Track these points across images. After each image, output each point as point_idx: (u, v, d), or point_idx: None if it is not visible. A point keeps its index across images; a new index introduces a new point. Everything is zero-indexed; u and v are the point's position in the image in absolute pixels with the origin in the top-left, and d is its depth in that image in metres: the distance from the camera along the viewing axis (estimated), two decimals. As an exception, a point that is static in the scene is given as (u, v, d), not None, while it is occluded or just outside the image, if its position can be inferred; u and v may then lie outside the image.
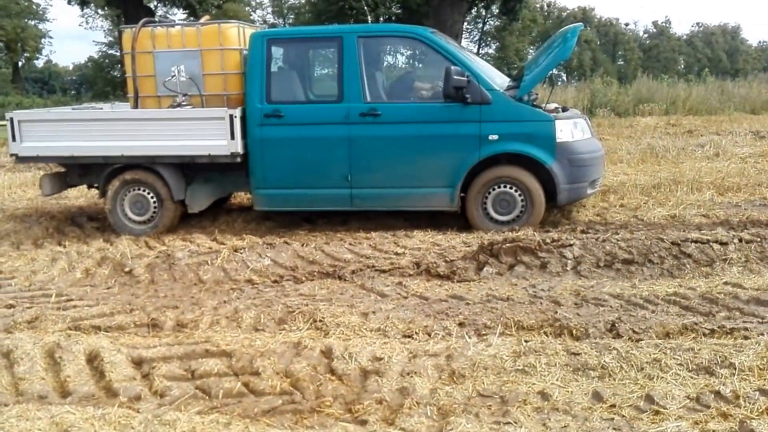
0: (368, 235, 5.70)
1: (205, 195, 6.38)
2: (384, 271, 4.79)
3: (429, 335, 3.59)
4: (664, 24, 59.88)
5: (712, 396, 2.79)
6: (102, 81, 36.27)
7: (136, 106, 6.35)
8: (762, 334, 3.39)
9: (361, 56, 5.90)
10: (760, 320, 3.63)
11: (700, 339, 3.39)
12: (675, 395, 2.80)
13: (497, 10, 32.34)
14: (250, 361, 3.21)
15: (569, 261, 4.67)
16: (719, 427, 2.49)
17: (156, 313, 4.01)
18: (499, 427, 2.56)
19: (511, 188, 5.83)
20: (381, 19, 28.84)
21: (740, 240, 4.73)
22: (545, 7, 47.65)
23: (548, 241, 4.83)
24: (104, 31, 39.12)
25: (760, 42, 68.68)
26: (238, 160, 5.96)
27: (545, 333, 3.57)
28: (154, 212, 6.19)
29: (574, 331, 3.55)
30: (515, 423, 2.59)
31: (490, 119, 5.70)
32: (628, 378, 2.98)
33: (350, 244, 5.42)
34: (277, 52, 6.17)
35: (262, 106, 5.97)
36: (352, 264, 4.94)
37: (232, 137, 5.86)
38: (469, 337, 3.51)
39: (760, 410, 2.64)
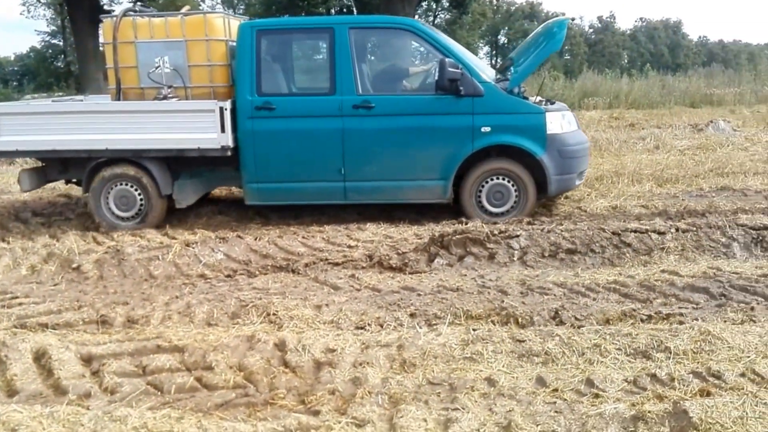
0: (321, 228, 5.74)
1: (193, 189, 6.27)
2: (337, 264, 4.84)
3: (381, 326, 3.66)
4: (608, 19, 61.52)
5: (649, 379, 2.93)
6: (45, 72, 34.82)
7: (118, 98, 6.17)
8: (696, 320, 3.58)
9: (352, 48, 5.88)
10: (695, 306, 3.84)
11: (637, 325, 3.57)
12: (614, 379, 2.94)
13: (447, 4, 32.66)
14: (203, 356, 3.21)
15: (516, 252, 4.82)
16: (654, 409, 2.62)
17: (105, 310, 3.96)
18: (448, 413, 2.65)
19: (505, 180, 5.94)
20: (333, 11, 28.67)
21: (677, 229, 4.97)
22: (494, 1, 48.26)
23: (496, 232, 4.97)
24: (47, 20, 37.53)
25: (700, 37, 71.53)
26: (229, 153, 5.88)
27: (492, 321, 3.69)
28: (141, 207, 6.06)
29: (519, 319, 3.68)
30: (463, 409, 2.69)
31: (482, 111, 5.79)
32: (569, 363, 3.12)
33: (303, 237, 5.45)
34: (267, 43, 6.09)
35: (252, 99, 5.90)
36: (305, 257, 4.97)
37: (223, 130, 5.78)
38: (420, 327, 3.60)
39: (693, 392, 2.79)
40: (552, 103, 6.25)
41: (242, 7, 38.94)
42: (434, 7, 35.05)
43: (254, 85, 5.89)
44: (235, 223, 6.23)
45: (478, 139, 5.81)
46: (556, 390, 2.87)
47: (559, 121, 5.94)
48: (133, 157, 5.95)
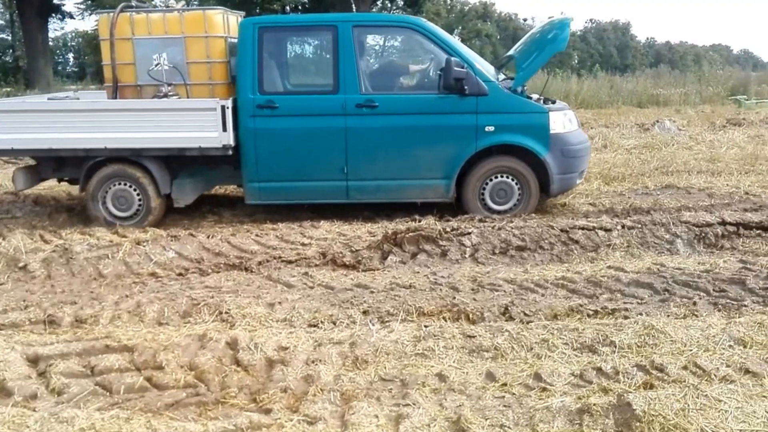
0: (275, 226, 5.70)
1: (192, 189, 6.16)
2: (290, 262, 4.82)
3: (334, 324, 3.67)
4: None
5: (595, 372, 3.02)
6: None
7: (114, 96, 6.01)
8: (640, 314, 3.70)
9: (356, 46, 5.84)
10: (639, 301, 3.97)
11: (584, 319, 3.67)
12: (561, 373, 3.02)
13: (402, 2, 32.78)
14: (153, 356, 3.16)
15: (468, 249, 4.90)
16: (599, 401, 2.69)
17: (53, 309, 3.85)
18: (399, 409, 2.69)
19: (508, 178, 5.98)
20: (288, 8, 28.39)
21: (623, 226, 5.13)
22: (449, 1, 48.70)
23: (448, 230, 5.04)
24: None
25: (648, 38, 73.73)
26: (230, 152, 5.79)
27: (444, 318, 3.74)
28: (139, 207, 5.93)
29: (470, 315, 3.74)
30: (414, 404, 2.73)
31: (486, 110, 5.80)
32: (518, 358, 3.20)
33: (257, 235, 5.40)
34: (269, 40, 5.99)
35: (254, 97, 5.81)
36: (258, 255, 4.93)
37: (224, 129, 5.68)
38: (373, 325, 3.63)
39: (637, 385, 2.88)
40: (553, 102, 6.32)
41: (196, 2, 38.20)
42: (389, 5, 35.17)
43: (256, 83, 5.82)
44: (187, 221, 6.14)
45: (482, 139, 5.84)
46: (505, 384, 2.93)
47: (562, 121, 6.02)
48: (133, 156, 5.83)
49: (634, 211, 6.15)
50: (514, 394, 2.85)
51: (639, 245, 4.99)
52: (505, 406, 2.73)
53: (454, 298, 3.98)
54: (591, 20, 65.42)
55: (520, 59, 6.12)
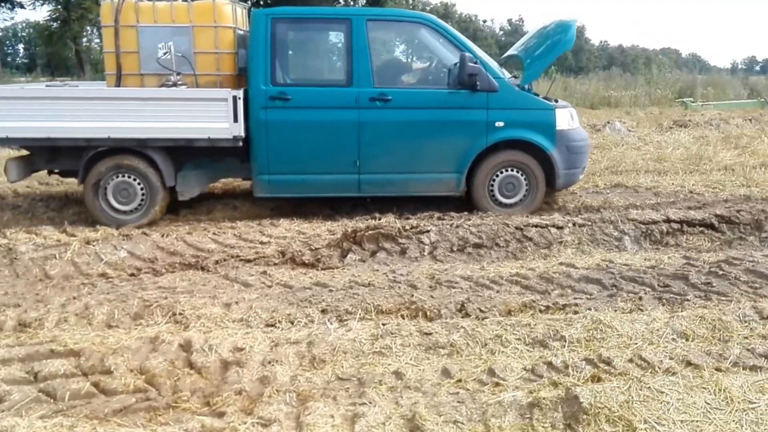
0: (233, 224, 5.64)
1: (197, 181, 6.03)
2: (249, 261, 4.78)
3: (292, 323, 3.65)
4: (517, 22, 63.86)
5: (546, 367, 3.09)
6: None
7: (117, 85, 5.81)
8: (589, 309, 3.79)
9: (369, 40, 5.86)
10: (588, 296, 4.08)
11: (536, 315, 3.76)
12: (513, 367, 3.09)
13: (364, 1, 32.65)
14: (101, 360, 3.08)
15: (426, 246, 4.94)
16: (549, 395, 2.76)
17: (-6, 313, 3.70)
18: (355, 408, 2.69)
19: (516, 172, 6.12)
20: (248, 1, 27.97)
21: (574, 224, 5.27)
22: (410, 1, 48.88)
23: (408, 228, 5.07)
24: None
25: (601, 42, 75.66)
26: (240, 144, 5.70)
27: (402, 315, 3.76)
28: (142, 200, 5.74)
29: (428, 313, 3.77)
30: (370, 403, 2.74)
31: (496, 106, 5.95)
32: (473, 354, 3.25)
33: (214, 233, 5.32)
34: (281, 31, 5.95)
35: (266, 88, 5.76)
36: (215, 254, 4.87)
37: (236, 120, 5.59)
38: (331, 323, 3.62)
39: (585, 378, 2.97)
40: (556, 101, 6.50)
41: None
42: (351, 4, 35.10)
43: (268, 75, 5.79)
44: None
45: (492, 134, 5.99)
46: (459, 380, 2.97)
47: (567, 118, 6.22)
48: (138, 147, 5.66)
49: (585, 209, 6.33)
50: (468, 389, 2.89)
51: (589, 242, 5.13)
52: (459, 401, 2.76)
53: (412, 295, 4.01)
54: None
55: (527, 58, 6.29)
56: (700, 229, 5.29)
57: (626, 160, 9.14)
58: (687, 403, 2.67)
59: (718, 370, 3.00)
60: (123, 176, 5.75)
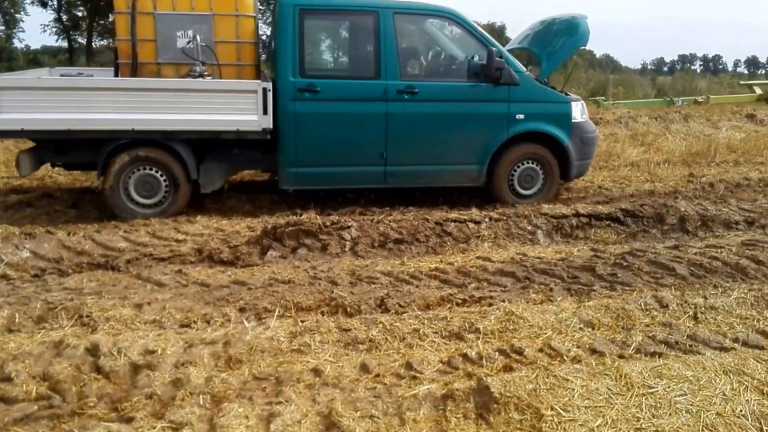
0: (146, 221, 5.42)
1: (219, 174, 5.82)
2: (163, 260, 4.62)
3: (208, 323, 3.56)
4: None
5: (461, 359, 3.17)
6: None
7: (133, 74, 5.52)
8: (503, 301, 3.93)
9: (397, 33, 5.86)
10: (503, 289, 4.22)
11: (453, 308, 3.84)
12: (430, 360, 3.14)
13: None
14: (1, 366, 2.90)
15: (347, 242, 4.95)
16: (462, 386, 2.84)
17: None
18: (271, 408, 2.66)
19: (534, 164, 6.27)
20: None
21: (491, 219, 5.43)
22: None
23: (329, 223, 5.06)
24: None
25: (520, 41, 77.85)
26: (269, 136, 5.56)
27: (322, 312, 3.75)
28: (165, 194, 5.51)
29: (348, 309, 3.78)
30: (287, 402, 2.72)
31: (517, 99, 6.12)
32: (392, 348, 3.28)
33: (125, 231, 5.11)
34: (309, 22, 5.82)
35: (295, 80, 5.63)
36: (127, 253, 4.68)
37: (265, 112, 5.44)
38: (249, 322, 3.56)
39: (498, 368, 3.07)
40: (567, 95, 6.62)
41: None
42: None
43: (297, 66, 5.65)
44: (45, 217, 5.68)
45: (513, 126, 6.15)
46: (378, 375, 3.00)
47: (579, 110, 6.41)
48: (163, 139, 5.41)
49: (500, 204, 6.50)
50: (385, 384, 2.93)
51: (505, 236, 5.30)
52: (375, 396, 2.79)
53: (333, 292, 4.01)
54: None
55: (542, 53, 6.48)
56: (607, 222, 5.58)
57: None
58: (590, 389, 2.81)
59: (620, 357, 3.18)
60: (146, 169, 5.56)
